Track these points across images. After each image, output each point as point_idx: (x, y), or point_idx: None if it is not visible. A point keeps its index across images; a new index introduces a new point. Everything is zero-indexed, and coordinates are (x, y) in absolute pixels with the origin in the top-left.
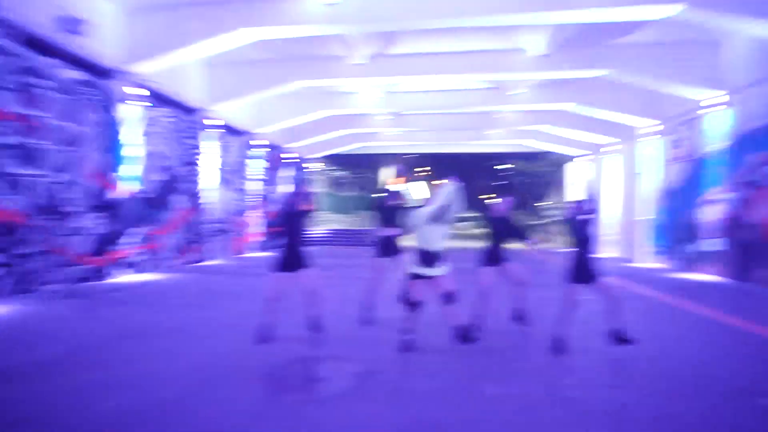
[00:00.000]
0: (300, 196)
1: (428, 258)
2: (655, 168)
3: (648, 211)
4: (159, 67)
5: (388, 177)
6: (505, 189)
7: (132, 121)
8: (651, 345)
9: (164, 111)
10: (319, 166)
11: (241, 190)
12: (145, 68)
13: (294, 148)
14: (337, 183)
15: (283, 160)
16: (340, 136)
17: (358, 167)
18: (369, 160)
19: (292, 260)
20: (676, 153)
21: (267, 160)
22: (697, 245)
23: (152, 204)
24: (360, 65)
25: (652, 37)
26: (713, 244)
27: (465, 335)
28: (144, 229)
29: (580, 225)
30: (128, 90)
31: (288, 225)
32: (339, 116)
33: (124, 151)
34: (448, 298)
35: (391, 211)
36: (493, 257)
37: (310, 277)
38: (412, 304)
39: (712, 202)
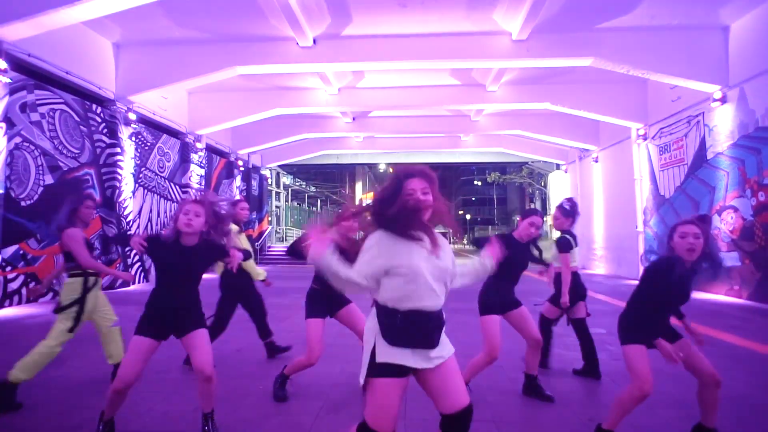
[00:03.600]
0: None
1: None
2: (649, 173)
3: (642, 221)
4: (36, 29)
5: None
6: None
7: None
8: None
9: (50, 94)
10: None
11: (176, 201)
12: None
13: (249, 155)
14: (301, 196)
15: (232, 168)
16: (299, 142)
17: (327, 181)
18: (337, 173)
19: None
20: (674, 155)
21: (210, 167)
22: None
23: (31, 215)
24: (308, 48)
25: (642, 21)
26: (726, 259)
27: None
28: (14, 248)
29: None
30: None
31: None
32: (296, 119)
33: None
34: None
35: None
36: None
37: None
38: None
39: (722, 209)
